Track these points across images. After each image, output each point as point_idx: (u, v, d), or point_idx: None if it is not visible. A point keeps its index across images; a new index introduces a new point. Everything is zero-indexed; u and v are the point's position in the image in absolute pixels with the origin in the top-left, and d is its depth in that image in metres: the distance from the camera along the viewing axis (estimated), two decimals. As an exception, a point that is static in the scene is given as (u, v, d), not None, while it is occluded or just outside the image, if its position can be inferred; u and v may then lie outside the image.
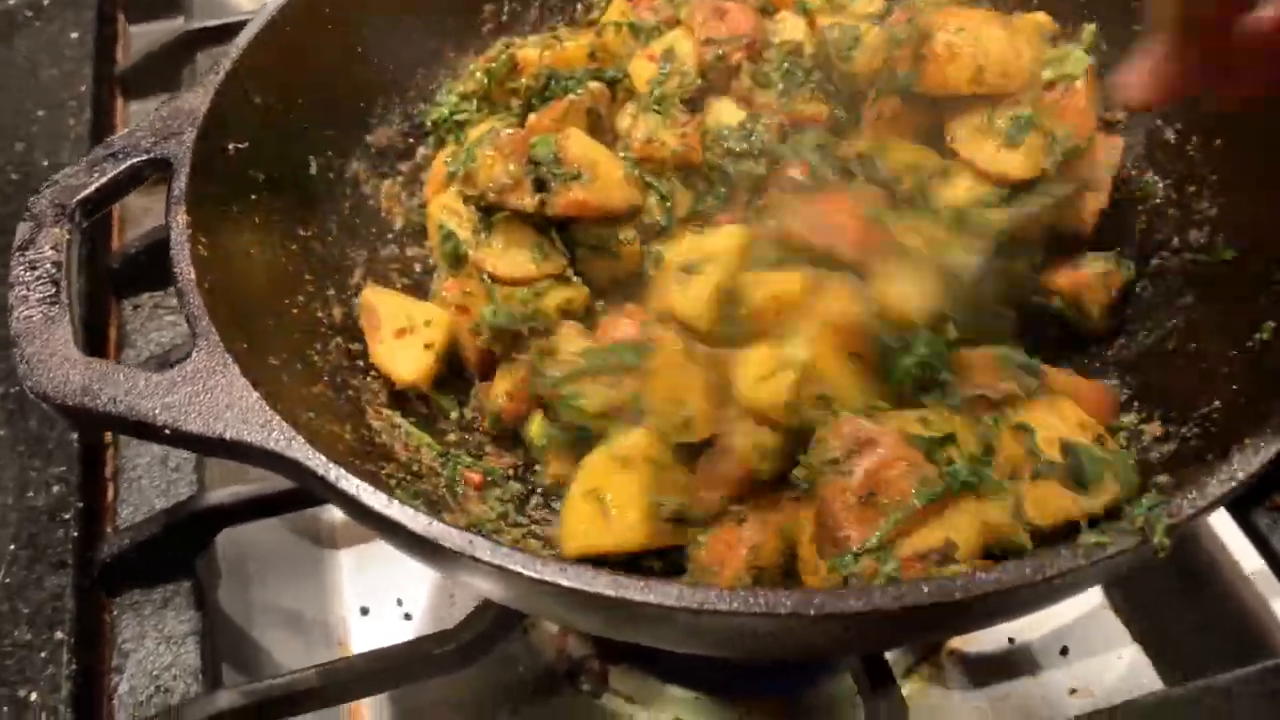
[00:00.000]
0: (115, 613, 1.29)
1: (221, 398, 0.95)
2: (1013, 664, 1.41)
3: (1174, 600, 1.45)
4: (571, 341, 1.20)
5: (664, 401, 1.10)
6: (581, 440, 1.16)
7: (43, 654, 1.24)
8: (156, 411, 0.95)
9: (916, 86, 1.27)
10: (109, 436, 1.45)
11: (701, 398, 1.10)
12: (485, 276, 1.28)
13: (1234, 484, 0.87)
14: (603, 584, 0.82)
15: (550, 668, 1.40)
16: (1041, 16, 1.38)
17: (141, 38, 2.11)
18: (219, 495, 1.35)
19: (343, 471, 0.90)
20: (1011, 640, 1.42)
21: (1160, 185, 1.34)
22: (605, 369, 1.14)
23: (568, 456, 1.18)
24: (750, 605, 0.81)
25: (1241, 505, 1.36)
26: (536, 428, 1.25)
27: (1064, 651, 1.41)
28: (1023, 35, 1.27)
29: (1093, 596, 1.46)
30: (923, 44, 1.25)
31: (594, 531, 1.06)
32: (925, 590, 0.81)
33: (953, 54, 1.23)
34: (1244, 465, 0.88)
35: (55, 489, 1.38)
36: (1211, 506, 0.86)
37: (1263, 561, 1.34)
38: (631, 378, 1.12)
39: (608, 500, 1.05)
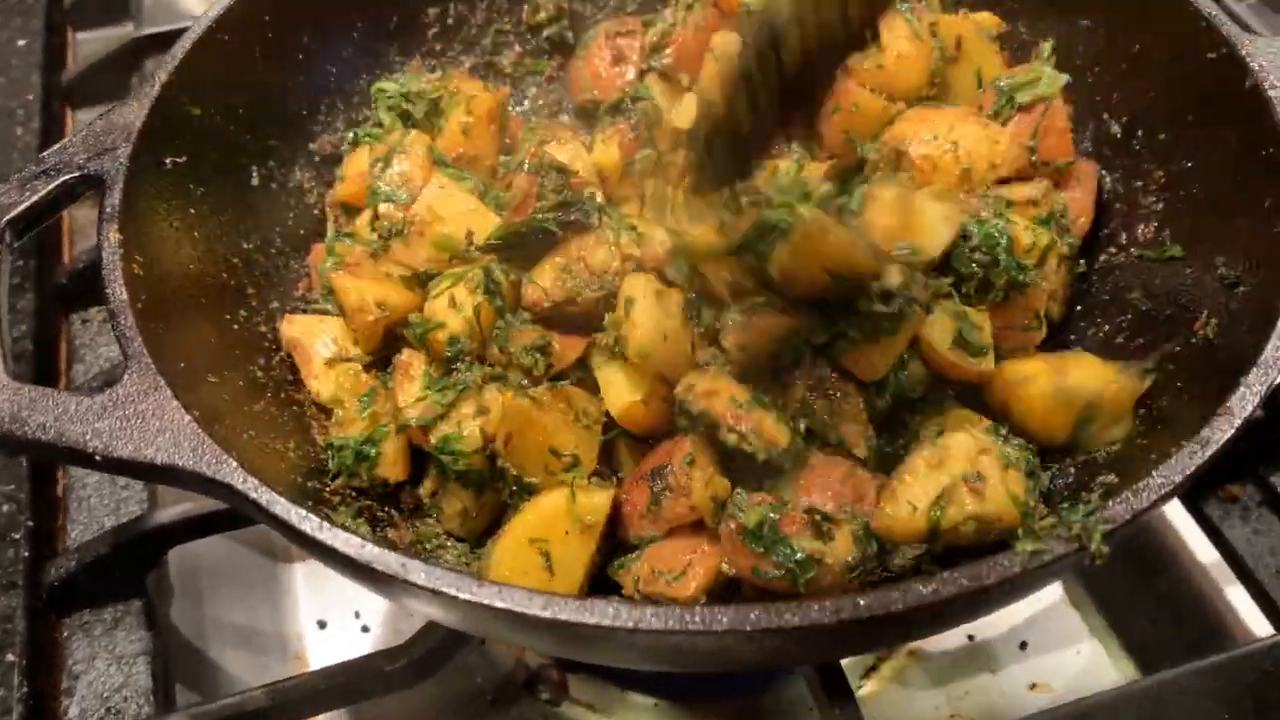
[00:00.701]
0: (65, 634, 1.28)
1: (153, 422, 0.94)
2: (972, 661, 1.41)
3: (1132, 592, 1.45)
4: (413, 382, 1.19)
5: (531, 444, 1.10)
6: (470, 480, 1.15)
7: (-7, 677, 1.22)
8: (86, 437, 0.94)
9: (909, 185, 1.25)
10: (57, 455, 1.43)
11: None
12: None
13: (1169, 488, 0.87)
14: (538, 605, 0.81)
15: (509, 678, 1.39)
16: (986, 16, 1.37)
17: (90, 44, 2.09)
18: (169, 513, 1.34)
19: (274, 495, 0.88)
20: (971, 638, 1.42)
21: (1108, 180, 1.33)
22: (454, 392, 1.14)
23: (463, 494, 1.16)
24: (686, 623, 0.80)
25: (1194, 496, 1.37)
26: (426, 487, 1.21)
27: (1023, 647, 1.42)
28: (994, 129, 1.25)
29: (1051, 592, 1.46)
30: (899, 161, 1.23)
31: (532, 583, 1.04)
32: (862, 604, 0.80)
33: (933, 165, 1.22)
34: (1179, 469, 0.88)
35: (4, 509, 1.37)
36: (1147, 511, 0.86)
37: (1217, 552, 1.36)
38: (489, 407, 1.12)
39: (554, 557, 1.03)
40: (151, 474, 0.94)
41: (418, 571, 0.83)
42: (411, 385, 1.18)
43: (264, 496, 0.89)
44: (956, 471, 0.97)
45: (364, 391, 1.21)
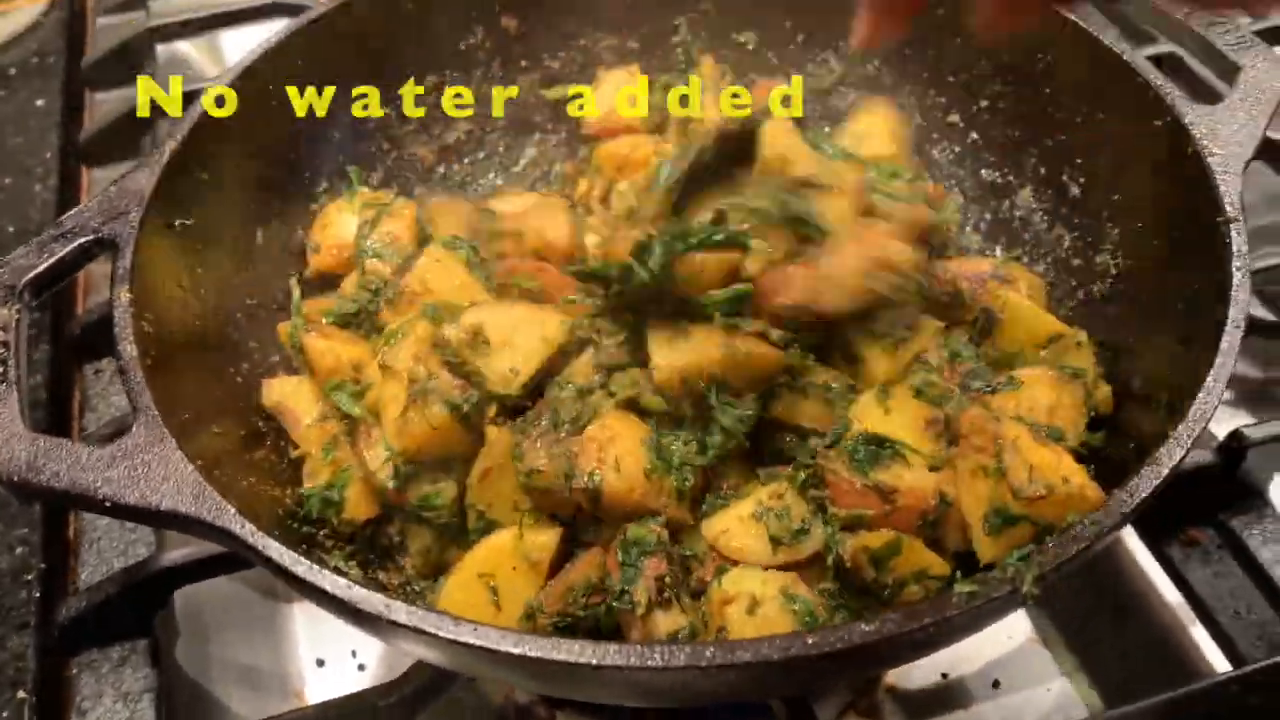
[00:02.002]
0: (75, 671, 1.33)
1: (158, 471, 1.01)
2: (945, 698, 1.45)
3: (1101, 631, 1.50)
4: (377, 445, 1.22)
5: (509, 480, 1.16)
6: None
7: (5, 713, 1.28)
8: (97, 485, 1.01)
9: None
10: (70, 499, 1.50)
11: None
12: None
13: (1098, 534, 0.92)
14: (510, 643, 0.87)
15: (500, 713, 1.44)
16: None
17: (107, 104, 2.16)
18: (175, 555, 1.39)
19: (269, 541, 0.95)
20: (944, 675, 1.47)
21: (1067, 239, 1.40)
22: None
23: (426, 534, 1.22)
24: (646, 659, 0.86)
25: (1155, 539, 1.42)
26: (396, 526, 1.26)
27: (995, 685, 1.46)
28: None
29: (1022, 631, 1.51)
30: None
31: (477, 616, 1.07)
32: (810, 641, 0.86)
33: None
34: (1107, 517, 0.93)
35: (18, 551, 1.43)
36: (1077, 557, 0.92)
37: (1179, 592, 1.40)
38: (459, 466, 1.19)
39: (500, 591, 1.09)
40: (157, 520, 1.01)
41: (400, 611, 0.90)
42: (377, 448, 1.21)
43: (260, 542, 0.95)
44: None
45: (327, 441, 1.26)
